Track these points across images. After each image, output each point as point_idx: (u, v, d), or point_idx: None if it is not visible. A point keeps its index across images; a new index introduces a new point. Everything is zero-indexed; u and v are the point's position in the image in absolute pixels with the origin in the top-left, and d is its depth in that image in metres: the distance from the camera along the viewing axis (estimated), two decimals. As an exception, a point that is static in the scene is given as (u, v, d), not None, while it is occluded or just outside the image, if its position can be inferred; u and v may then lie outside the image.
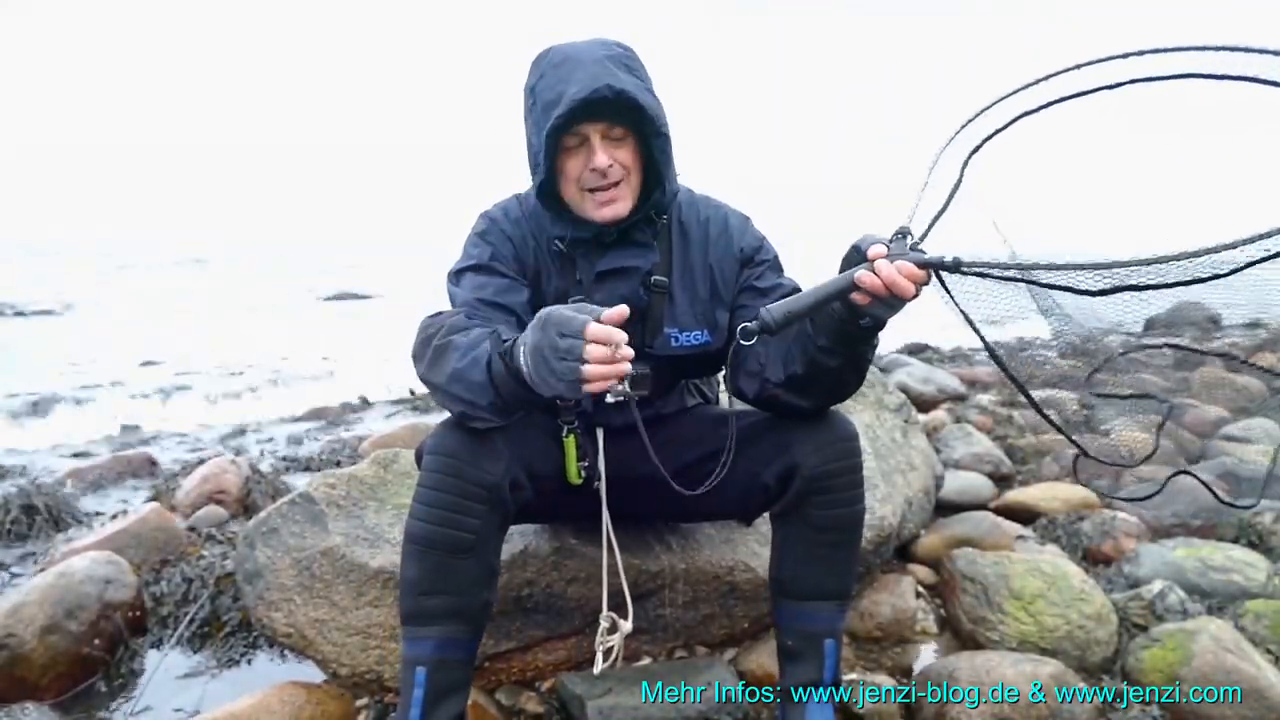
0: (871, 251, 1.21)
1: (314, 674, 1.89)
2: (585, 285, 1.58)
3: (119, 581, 2.10)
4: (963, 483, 3.08)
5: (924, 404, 4.87)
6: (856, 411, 2.61)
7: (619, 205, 1.50)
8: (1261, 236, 0.91)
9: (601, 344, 1.17)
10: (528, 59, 1.54)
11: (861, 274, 1.21)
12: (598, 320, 1.19)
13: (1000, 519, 2.67)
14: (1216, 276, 0.97)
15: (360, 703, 1.79)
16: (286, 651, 2.03)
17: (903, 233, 1.24)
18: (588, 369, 1.17)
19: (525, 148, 1.54)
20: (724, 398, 1.84)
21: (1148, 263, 0.98)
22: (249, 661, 2.05)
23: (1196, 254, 0.93)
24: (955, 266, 1.16)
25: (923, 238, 1.27)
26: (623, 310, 1.21)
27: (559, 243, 1.57)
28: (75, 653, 1.91)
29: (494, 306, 1.50)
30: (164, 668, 2.00)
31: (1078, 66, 1.21)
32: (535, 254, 1.60)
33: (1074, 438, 1.49)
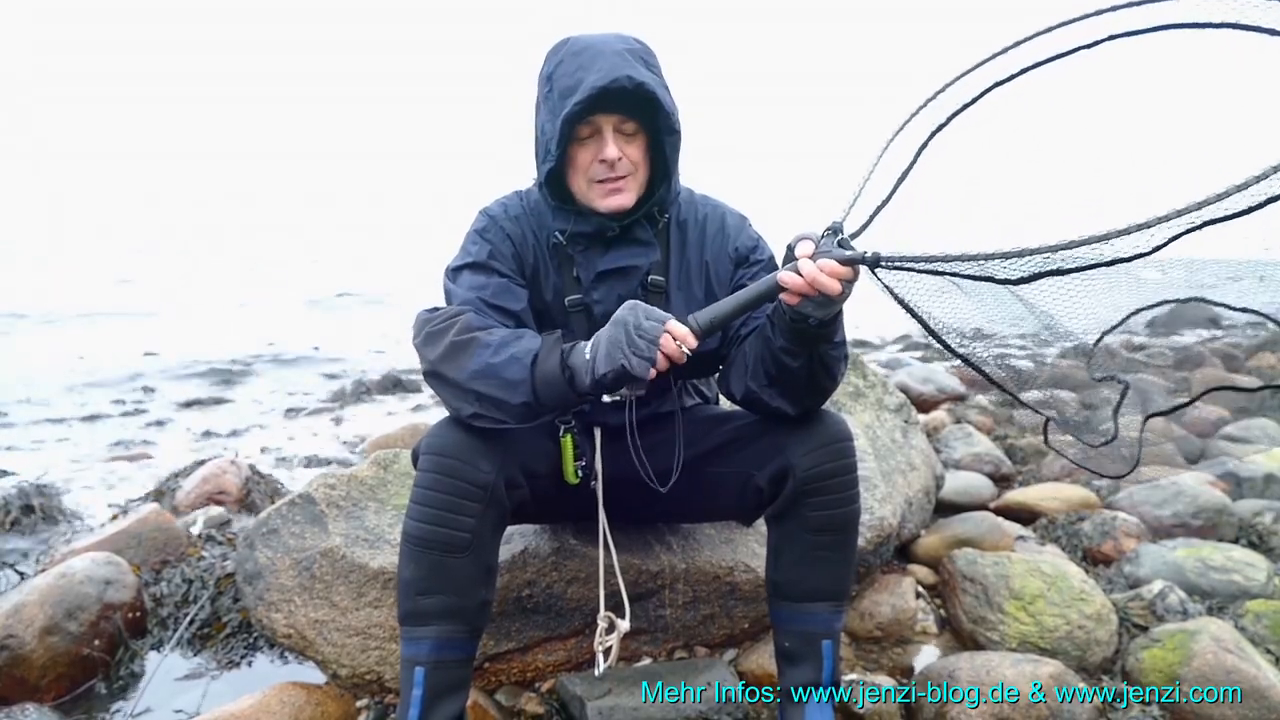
0: (799, 250, 1.23)
1: (314, 674, 1.89)
2: (584, 284, 1.58)
3: (119, 582, 2.10)
4: (963, 483, 3.08)
5: (924, 404, 4.88)
6: (856, 412, 2.61)
7: (624, 196, 1.50)
8: (1170, 216, 0.90)
9: (674, 336, 1.29)
10: (521, 63, 1.53)
11: (784, 275, 1.23)
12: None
13: (1000, 519, 2.67)
14: (1140, 255, 0.97)
15: (360, 703, 1.79)
16: (287, 652, 2.03)
17: (834, 229, 1.25)
18: (659, 355, 1.29)
19: (533, 139, 1.54)
20: (723, 400, 1.84)
21: (1061, 248, 0.98)
22: (249, 662, 2.04)
23: (1105, 236, 0.93)
24: (875, 262, 1.17)
25: (860, 231, 1.26)
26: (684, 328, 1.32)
27: (559, 235, 1.56)
28: (75, 653, 1.91)
29: (494, 308, 1.50)
30: (164, 668, 2.00)
31: (1049, 30, 1.18)
32: (535, 252, 1.60)
33: (1035, 407, 1.50)
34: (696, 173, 1.73)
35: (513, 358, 1.36)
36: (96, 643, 1.96)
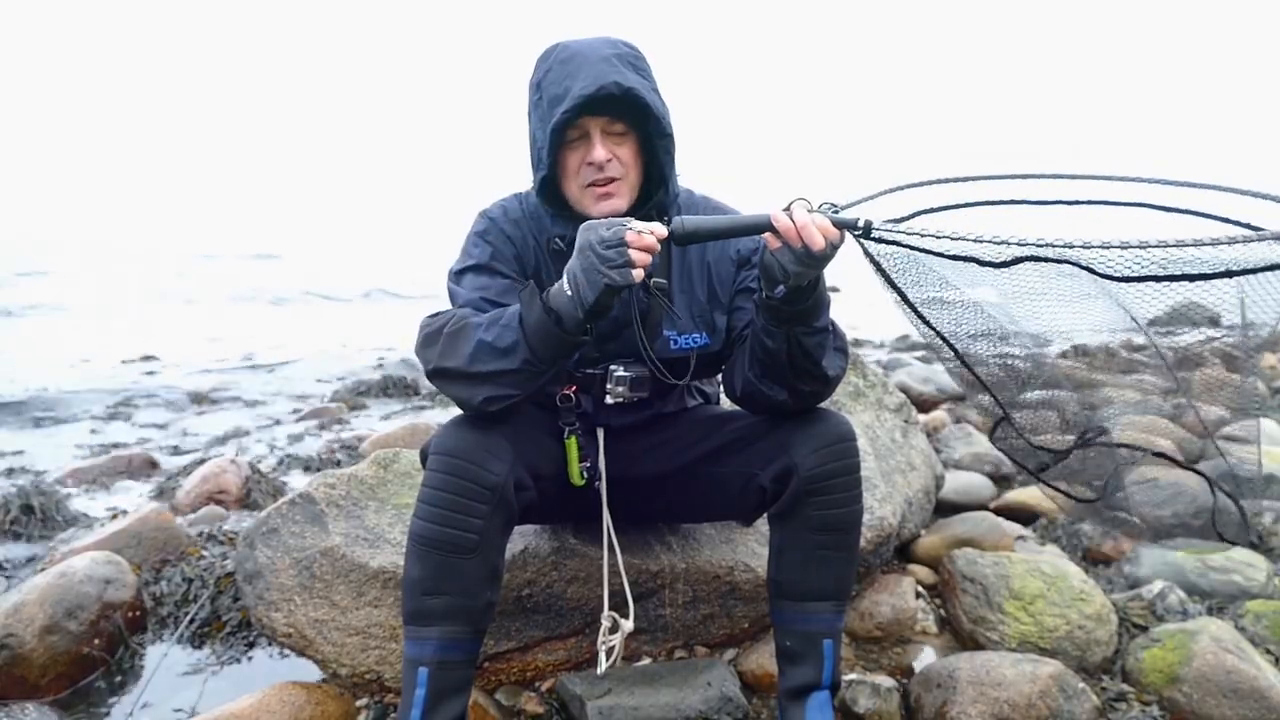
0: (795, 206, 1.27)
1: (314, 674, 1.88)
2: None
3: (119, 581, 2.10)
4: (963, 483, 3.08)
5: (924, 404, 4.88)
6: (856, 411, 2.61)
7: (616, 200, 1.50)
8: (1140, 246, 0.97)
9: (638, 229, 1.29)
10: (522, 58, 1.55)
11: (777, 213, 1.27)
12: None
13: (1000, 519, 2.67)
14: (1106, 276, 1.04)
15: (360, 703, 1.79)
16: (286, 651, 2.03)
17: (830, 205, 1.31)
18: (633, 253, 1.27)
19: (528, 144, 1.54)
20: (724, 399, 1.84)
21: (1043, 244, 1.04)
22: (249, 661, 2.04)
23: (1074, 245, 1.01)
24: (867, 229, 1.22)
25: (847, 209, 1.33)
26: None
27: (559, 241, 1.56)
28: (75, 653, 1.91)
29: (497, 308, 1.50)
30: (164, 667, 1.99)
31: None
32: (535, 254, 1.60)
33: (1004, 407, 1.57)
34: (697, 170, 1.74)
35: (502, 326, 1.37)
36: (96, 642, 1.96)
